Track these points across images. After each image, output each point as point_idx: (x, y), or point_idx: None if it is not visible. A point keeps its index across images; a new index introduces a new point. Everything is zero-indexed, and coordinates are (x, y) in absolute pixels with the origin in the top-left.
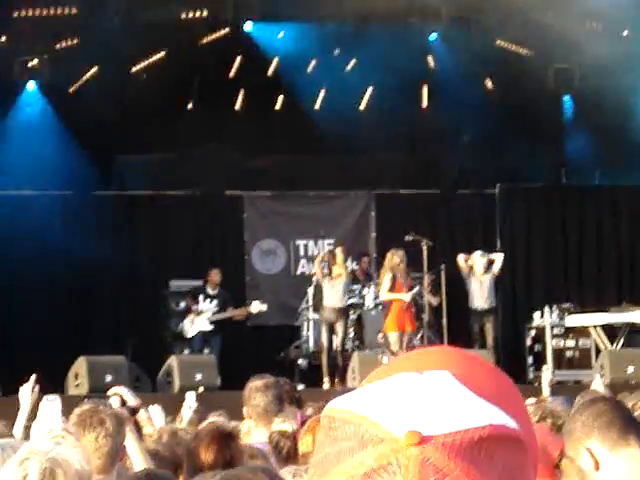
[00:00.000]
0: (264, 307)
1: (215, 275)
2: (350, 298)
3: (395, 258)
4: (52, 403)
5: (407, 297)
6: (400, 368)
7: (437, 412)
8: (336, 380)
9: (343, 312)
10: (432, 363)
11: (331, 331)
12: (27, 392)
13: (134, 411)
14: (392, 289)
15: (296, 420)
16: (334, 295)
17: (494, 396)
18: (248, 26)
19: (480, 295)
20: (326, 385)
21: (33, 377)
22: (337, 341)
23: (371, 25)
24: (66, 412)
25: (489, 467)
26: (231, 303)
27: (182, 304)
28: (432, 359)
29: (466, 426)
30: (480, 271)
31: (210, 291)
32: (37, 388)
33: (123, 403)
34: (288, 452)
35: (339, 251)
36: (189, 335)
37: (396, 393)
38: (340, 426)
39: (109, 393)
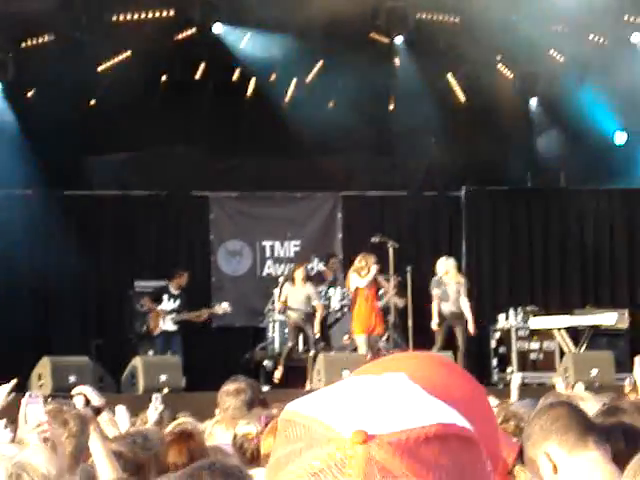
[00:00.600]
0: (228, 308)
1: (183, 279)
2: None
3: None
4: (36, 399)
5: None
6: (363, 371)
7: (386, 412)
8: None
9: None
10: (394, 366)
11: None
12: (3, 393)
13: (99, 411)
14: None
15: (259, 422)
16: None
17: (450, 396)
18: (217, 28)
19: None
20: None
21: (14, 381)
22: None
23: (338, 28)
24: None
25: (436, 465)
26: (189, 306)
27: (141, 306)
28: (395, 363)
29: (414, 425)
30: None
31: (173, 291)
32: (13, 393)
33: (87, 402)
34: (252, 454)
35: (298, 272)
36: (154, 333)
37: (348, 395)
38: (292, 428)
39: (73, 392)
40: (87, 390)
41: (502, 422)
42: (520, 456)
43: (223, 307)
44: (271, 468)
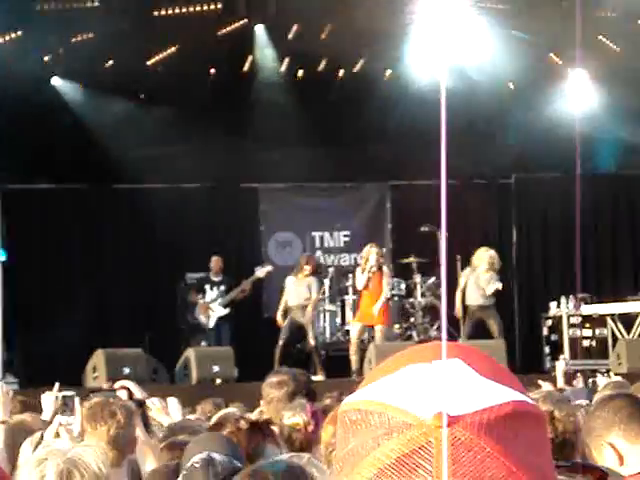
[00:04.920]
0: (269, 267)
1: (217, 262)
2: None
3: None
4: (71, 399)
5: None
6: (407, 360)
7: (458, 394)
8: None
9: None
10: (437, 354)
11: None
12: (50, 400)
13: (141, 404)
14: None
15: (305, 412)
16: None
17: (501, 379)
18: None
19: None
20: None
21: (56, 385)
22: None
23: None
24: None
25: (515, 443)
26: (235, 285)
27: (189, 298)
28: (435, 350)
29: (490, 404)
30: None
31: (214, 278)
32: (60, 396)
33: (130, 396)
34: (301, 444)
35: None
36: (210, 325)
37: (412, 381)
38: (363, 418)
39: (116, 386)
40: (130, 384)
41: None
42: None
43: (265, 269)
44: (344, 460)
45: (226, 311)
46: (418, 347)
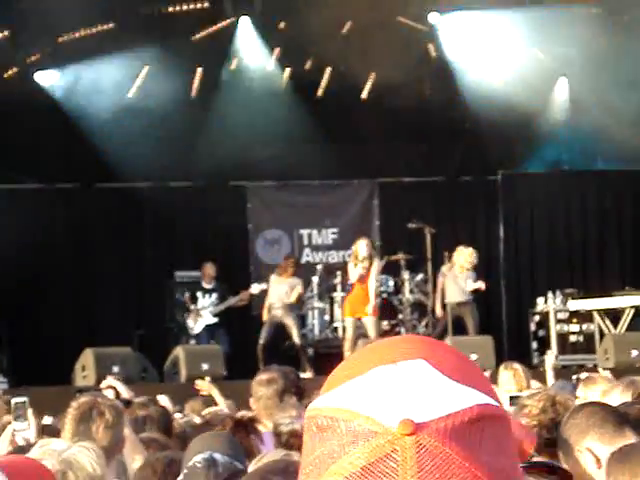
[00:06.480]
0: (264, 286)
1: (209, 269)
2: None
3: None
4: (23, 405)
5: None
6: (371, 362)
7: (422, 399)
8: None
9: None
10: (402, 353)
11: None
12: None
13: (128, 403)
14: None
15: (302, 417)
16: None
17: (468, 379)
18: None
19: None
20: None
21: None
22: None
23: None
24: None
25: (480, 448)
26: (229, 293)
27: (183, 297)
28: (400, 349)
29: (454, 409)
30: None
31: (206, 285)
32: (13, 402)
33: (117, 396)
34: (299, 448)
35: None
36: (195, 332)
37: (378, 386)
38: (330, 424)
39: (102, 385)
40: (116, 383)
41: (540, 413)
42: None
43: (259, 287)
44: (311, 466)
45: (214, 320)
46: (382, 344)
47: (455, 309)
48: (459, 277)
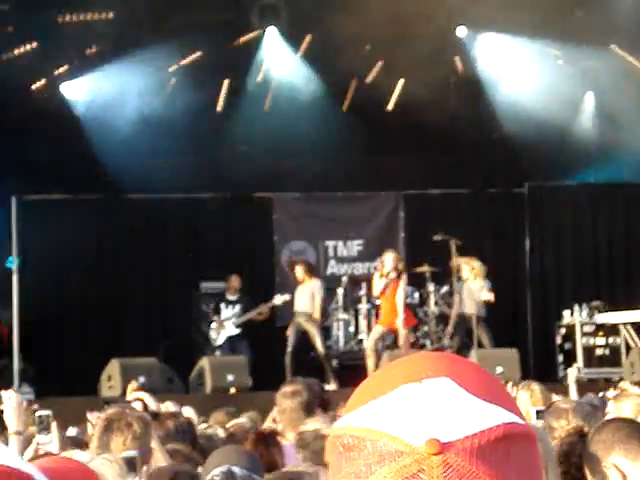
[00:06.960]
0: (287, 297)
1: (235, 281)
2: None
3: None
4: (47, 418)
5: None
6: (396, 380)
7: (449, 418)
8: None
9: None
10: (426, 371)
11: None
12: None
13: (155, 415)
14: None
15: (326, 432)
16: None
17: (493, 396)
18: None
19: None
20: None
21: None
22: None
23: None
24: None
25: (507, 466)
26: (251, 305)
27: (208, 308)
28: (425, 367)
29: (480, 428)
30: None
31: (230, 297)
32: (37, 415)
33: (145, 407)
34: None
35: (299, 269)
36: (217, 343)
37: (404, 405)
38: (356, 444)
39: (130, 398)
40: (144, 395)
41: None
42: None
43: (283, 298)
44: None
45: (237, 331)
46: (406, 362)
47: (470, 321)
48: (473, 289)
